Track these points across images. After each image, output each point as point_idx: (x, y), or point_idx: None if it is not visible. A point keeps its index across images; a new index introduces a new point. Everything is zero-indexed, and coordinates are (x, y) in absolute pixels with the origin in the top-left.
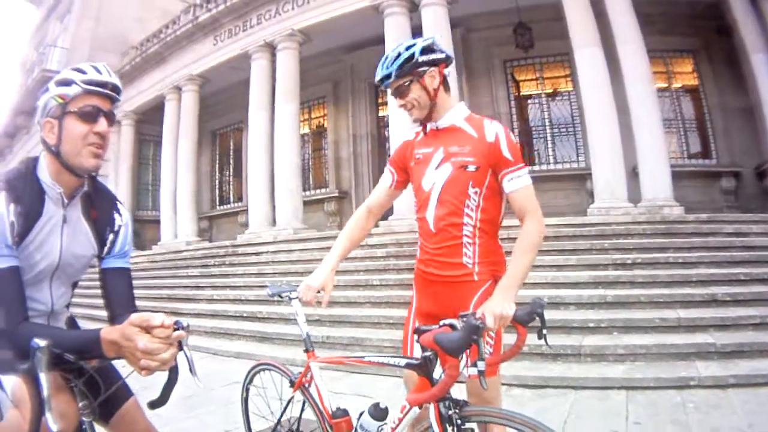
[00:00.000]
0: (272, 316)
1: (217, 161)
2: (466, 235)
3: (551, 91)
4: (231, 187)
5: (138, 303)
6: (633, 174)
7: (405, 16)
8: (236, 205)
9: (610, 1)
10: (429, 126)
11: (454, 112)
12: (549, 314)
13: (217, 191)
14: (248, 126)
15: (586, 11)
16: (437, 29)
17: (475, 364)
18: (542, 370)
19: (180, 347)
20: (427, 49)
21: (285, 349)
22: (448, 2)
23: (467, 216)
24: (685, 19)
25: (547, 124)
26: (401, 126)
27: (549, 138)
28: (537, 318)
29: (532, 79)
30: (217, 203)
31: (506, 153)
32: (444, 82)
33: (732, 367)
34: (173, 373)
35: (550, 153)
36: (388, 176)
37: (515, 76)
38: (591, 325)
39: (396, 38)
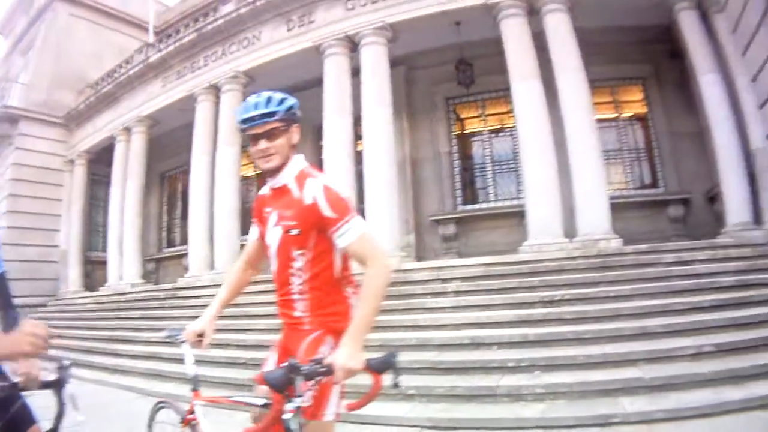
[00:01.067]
0: (204, 359)
1: (165, 203)
2: (294, 292)
3: (495, 127)
4: (178, 229)
5: (81, 343)
6: (571, 208)
7: (345, 57)
8: (181, 247)
9: (551, 33)
10: (269, 182)
11: (289, 170)
12: (469, 355)
13: (164, 233)
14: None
15: (526, 44)
16: (377, 69)
17: (290, 400)
18: (456, 411)
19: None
20: (295, 107)
21: (209, 390)
22: (389, 41)
23: (295, 276)
24: (635, 45)
25: (488, 161)
26: (336, 168)
27: (490, 175)
28: (391, 368)
29: (474, 116)
30: (164, 245)
31: (328, 213)
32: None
33: (661, 401)
34: (61, 406)
35: (491, 190)
36: (255, 229)
37: (459, 113)
38: (510, 364)
39: (336, 78)
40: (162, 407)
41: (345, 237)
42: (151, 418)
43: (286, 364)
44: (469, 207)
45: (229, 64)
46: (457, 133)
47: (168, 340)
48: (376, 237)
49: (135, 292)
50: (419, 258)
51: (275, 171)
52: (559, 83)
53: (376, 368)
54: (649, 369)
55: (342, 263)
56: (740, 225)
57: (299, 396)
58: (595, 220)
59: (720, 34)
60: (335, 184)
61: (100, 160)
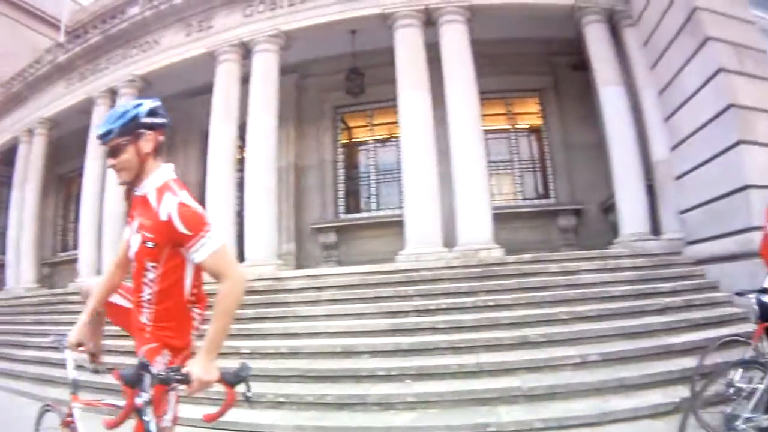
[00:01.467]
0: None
1: (62, 206)
2: (144, 300)
3: (382, 137)
4: (72, 233)
5: None
6: (453, 218)
7: (237, 63)
8: (74, 252)
9: (446, 44)
10: (134, 191)
11: (152, 179)
12: (341, 363)
13: (59, 237)
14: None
15: (417, 54)
16: (267, 76)
17: (140, 395)
18: (326, 419)
19: None
20: (152, 112)
21: (98, 395)
22: (282, 48)
23: (146, 285)
24: (537, 57)
25: (372, 170)
26: (218, 175)
27: (374, 185)
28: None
29: (362, 126)
30: (59, 249)
31: (182, 229)
32: (157, 148)
33: (541, 410)
34: None
35: (373, 200)
36: (128, 230)
37: (347, 122)
38: (381, 373)
39: (225, 85)
40: (47, 411)
41: (200, 252)
42: (38, 422)
43: (138, 362)
44: (350, 216)
45: (128, 67)
46: (343, 142)
47: (54, 345)
48: (230, 252)
49: (29, 297)
50: (299, 266)
51: (132, 183)
52: (449, 94)
53: (229, 381)
54: (529, 378)
55: (192, 281)
56: (635, 235)
57: (146, 392)
58: (476, 230)
59: (628, 48)
60: (191, 200)
61: (9, 161)
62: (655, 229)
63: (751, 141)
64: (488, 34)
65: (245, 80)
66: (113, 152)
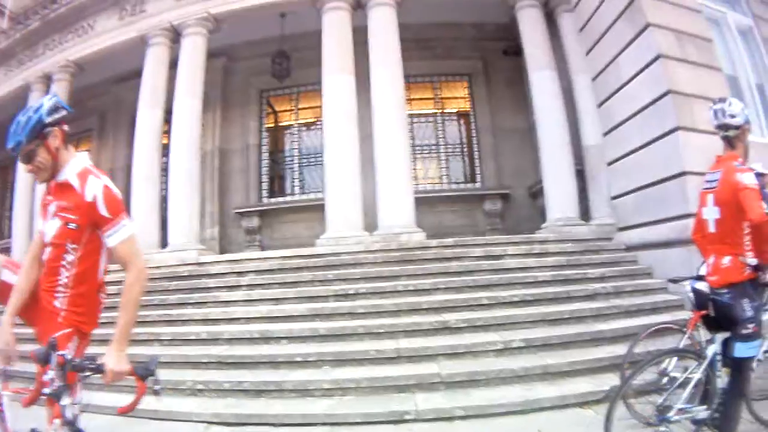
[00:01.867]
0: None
1: None
2: (60, 285)
3: (308, 120)
4: (8, 221)
5: None
6: (374, 202)
7: (166, 47)
8: (9, 240)
9: (374, 27)
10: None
11: (70, 167)
12: (258, 349)
13: None
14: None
15: (344, 37)
16: (193, 59)
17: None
18: (243, 407)
19: None
20: (53, 110)
21: (28, 383)
22: (210, 32)
23: (64, 268)
24: (469, 42)
25: (296, 154)
26: (143, 160)
27: (298, 169)
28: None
29: (288, 110)
30: None
31: (104, 212)
32: (65, 138)
33: (461, 398)
34: None
35: (297, 184)
36: (41, 222)
37: (274, 106)
38: (298, 359)
39: (153, 69)
40: None
41: (114, 237)
42: None
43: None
44: (273, 200)
45: (63, 53)
46: (269, 126)
47: None
48: (138, 242)
49: None
50: (223, 251)
51: (50, 177)
52: (374, 78)
53: (139, 373)
54: (449, 365)
55: (104, 267)
56: (563, 220)
57: (52, 370)
58: (397, 213)
59: (564, 33)
60: (113, 186)
61: None
62: (585, 215)
63: (690, 128)
64: (420, 18)
65: (175, 65)
66: (26, 158)
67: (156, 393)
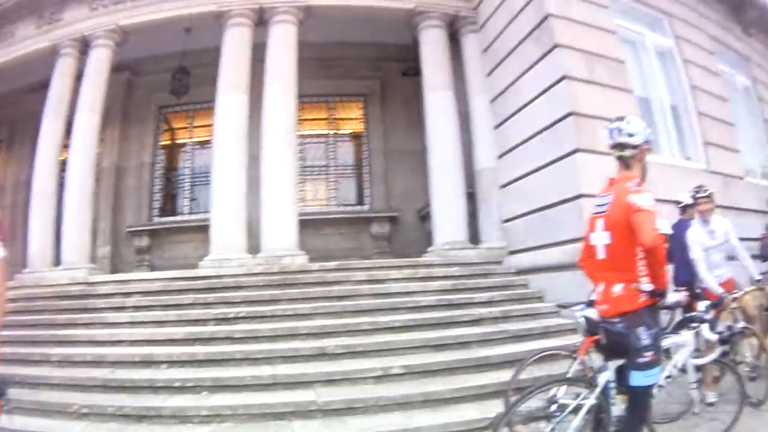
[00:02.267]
0: None
1: None
2: None
3: (202, 138)
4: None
5: None
6: (258, 224)
7: (74, 58)
8: None
9: (273, 44)
10: None
11: None
12: (140, 373)
13: None
14: None
15: (242, 53)
16: (96, 73)
17: None
18: None
19: None
20: None
21: None
22: (117, 44)
23: None
24: (368, 61)
25: (188, 173)
26: (41, 175)
27: (189, 188)
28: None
29: (185, 127)
30: None
31: None
32: None
33: (338, 425)
34: None
35: (188, 204)
36: None
37: (172, 123)
38: (177, 384)
39: (59, 82)
40: None
41: None
42: None
43: None
44: (164, 219)
45: None
46: (166, 143)
47: None
48: (5, 267)
49: None
50: (115, 270)
51: None
52: (267, 96)
53: None
54: (326, 392)
55: None
56: (450, 244)
57: None
58: (281, 236)
59: (466, 54)
60: None
61: None
62: (475, 239)
63: (589, 149)
64: (322, 36)
65: (79, 76)
66: None
67: (9, 413)
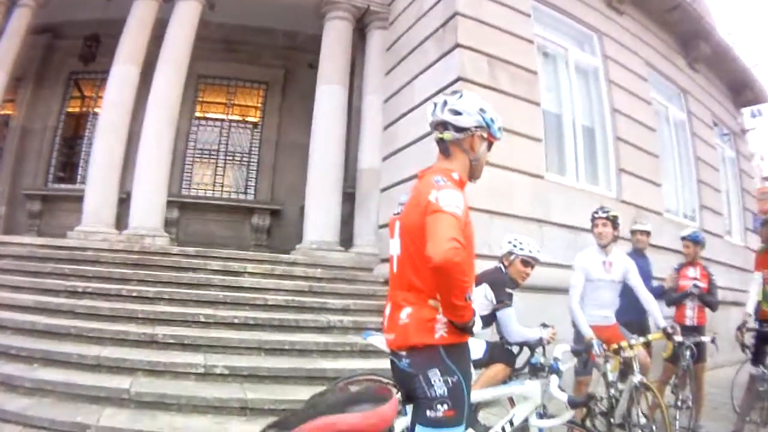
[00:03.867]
0: None
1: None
2: None
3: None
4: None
5: None
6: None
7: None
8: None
9: (174, 21)
10: None
11: None
12: None
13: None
14: None
15: (142, 28)
16: (14, 33)
17: None
18: None
19: None
20: None
21: None
22: (38, 5)
23: None
24: (277, 50)
25: (87, 143)
26: None
27: (83, 157)
28: None
29: (92, 96)
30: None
31: None
32: None
33: (146, 420)
34: None
35: (81, 173)
36: None
37: (84, 90)
38: (12, 352)
39: None
40: None
41: None
42: None
43: None
44: (57, 186)
45: None
46: (73, 110)
47: None
48: None
49: None
50: (7, 231)
51: None
52: (157, 74)
53: None
54: (144, 382)
55: None
56: (317, 243)
57: None
58: (147, 215)
59: (369, 50)
60: None
61: None
62: (350, 241)
63: None
64: (231, 18)
65: None
66: None
67: None
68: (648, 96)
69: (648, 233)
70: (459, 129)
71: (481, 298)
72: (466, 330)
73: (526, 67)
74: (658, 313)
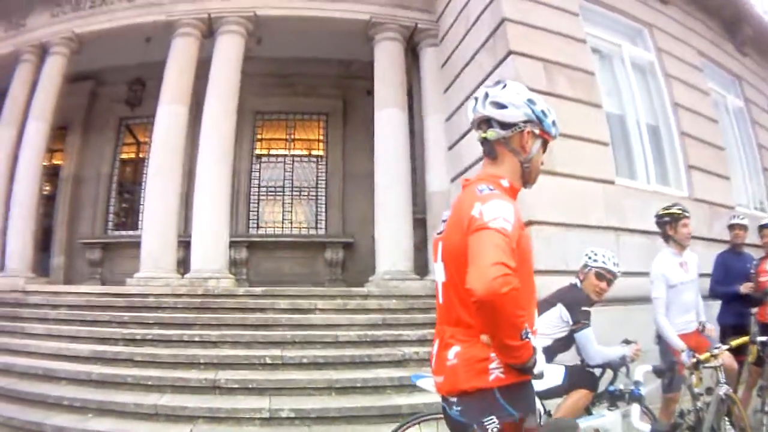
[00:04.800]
0: None
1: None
2: None
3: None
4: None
5: None
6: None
7: (33, 65)
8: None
9: (219, 55)
10: None
11: None
12: (40, 387)
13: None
14: None
15: (187, 65)
16: (50, 81)
17: None
18: None
19: None
20: None
21: None
22: (74, 52)
23: None
24: (332, 79)
25: (142, 187)
26: None
27: (141, 202)
28: None
29: (144, 142)
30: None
31: None
32: None
33: None
34: None
35: (140, 218)
36: None
37: (137, 136)
38: (66, 403)
39: (18, 89)
40: None
41: None
42: None
43: None
44: (117, 233)
45: None
46: (129, 156)
47: None
48: None
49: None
50: (68, 281)
51: None
52: (206, 110)
53: None
54: (204, 429)
55: None
56: (391, 273)
57: None
58: (209, 257)
59: (424, 69)
60: None
61: None
62: (425, 269)
63: (547, 171)
64: (281, 51)
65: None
66: None
67: None
68: (705, 87)
69: (746, 228)
70: (505, 125)
71: (557, 320)
72: (525, 371)
73: (582, 68)
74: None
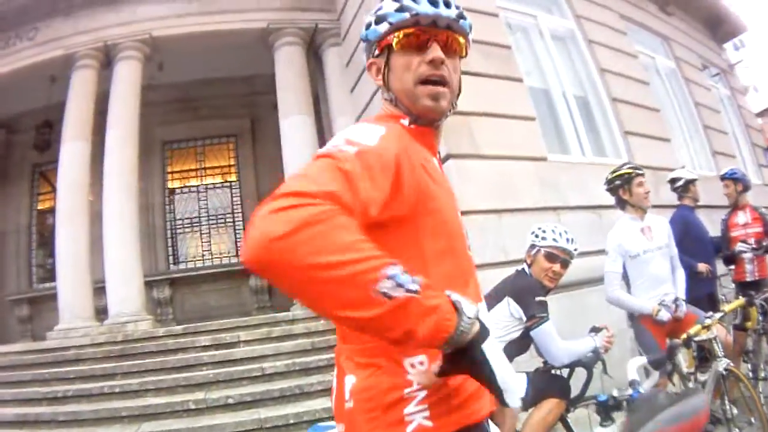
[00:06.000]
0: None
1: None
2: None
3: None
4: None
5: None
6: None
7: None
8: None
9: (116, 83)
10: None
11: None
12: None
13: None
14: None
15: (84, 99)
16: None
17: None
18: None
19: None
20: None
21: None
22: None
23: None
24: (238, 98)
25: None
26: None
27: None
28: None
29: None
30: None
31: None
32: None
33: None
34: None
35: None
36: None
37: (52, 182)
38: None
39: None
40: None
41: None
42: None
43: None
44: (42, 285)
45: None
46: (44, 206)
47: None
48: None
49: None
50: (1, 342)
51: None
52: (108, 140)
53: None
54: None
55: None
56: None
57: None
58: (125, 299)
59: (328, 71)
60: None
61: None
62: None
63: (466, 154)
64: (185, 75)
65: None
66: None
67: None
68: (632, 50)
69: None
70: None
71: (506, 318)
72: (466, 364)
73: (497, 42)
74: (680, 284)
